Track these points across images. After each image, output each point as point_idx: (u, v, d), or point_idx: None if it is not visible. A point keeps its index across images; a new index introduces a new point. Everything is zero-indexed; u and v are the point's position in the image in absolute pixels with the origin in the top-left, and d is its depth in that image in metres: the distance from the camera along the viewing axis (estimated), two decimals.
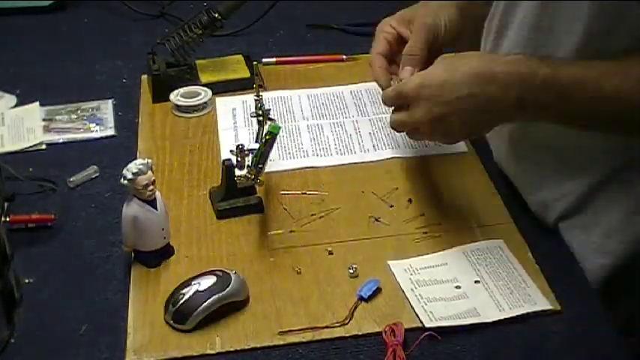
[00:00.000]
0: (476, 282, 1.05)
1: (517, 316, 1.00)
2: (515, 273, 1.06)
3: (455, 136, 1.07)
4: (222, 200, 1.18)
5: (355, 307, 1.02)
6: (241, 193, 1.18)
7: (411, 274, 1.07)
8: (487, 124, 1.06)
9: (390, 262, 1.09)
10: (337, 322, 1.00)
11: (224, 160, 1.18)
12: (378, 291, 1.03)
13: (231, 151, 1.18)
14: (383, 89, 1.15)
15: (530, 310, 1.01)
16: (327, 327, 0.99)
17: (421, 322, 1.00)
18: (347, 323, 1.00)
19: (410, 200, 1.20)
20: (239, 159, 1.17)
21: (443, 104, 1.01)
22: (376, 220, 1.16)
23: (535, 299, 1.02)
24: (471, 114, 1.01)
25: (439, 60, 1.06)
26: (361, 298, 1.02)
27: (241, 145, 1.16)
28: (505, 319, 1.00)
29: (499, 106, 1.00)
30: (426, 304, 1.02)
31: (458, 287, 1.05)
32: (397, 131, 1.13)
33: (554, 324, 1.00)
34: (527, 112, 1.02)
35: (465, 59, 1.04)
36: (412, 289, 1.04)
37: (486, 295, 1.03)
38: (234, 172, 1.17)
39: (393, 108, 1.10)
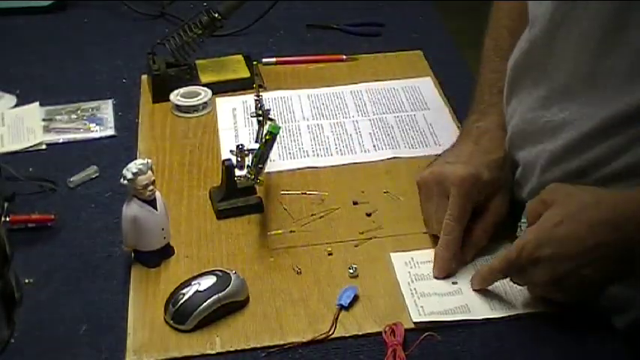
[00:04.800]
0: None
1: (509, 316, 1.00)
2: None
3: (588, 290, 0.95)
4: (222, 200, 1.18)
5: (337, 316, 1.01)
6: (241, 193, 1.18)
7: (411, 268, 1.07)
8: (626, 271, 0.94)
9: (392, 254, 1.09)
10: (321, 335, 0.99)
11: (224, 160, 1.18)
12: (356, 298, 1.03)
13: (231, 151, 1.18)
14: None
15: (521, 312, 1.01)
16: (311, 341, 0.99)
17: (410, 315, 1.00)
18: (332, 333, 0.99)
19: (410, 200, 1.20)
20: (239, 159, 1.17)
21: (567, 260, 0.92)
22: (376, 220, 1.16)
23: (529, 302, 1.02)
24: (603, 261, 0.91)
25: (549, 203, 0.95)
26: (342, 307, 1.02)
27: (241, 145, 1.16)
28: (502, 318, 1.00)
29: (632, 251, 0.91)
30: (418, 299, 1.02)
31: (454, 283, 1.05)
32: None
33: (554, 324, 1.00)
34: None
35: (581, 204, 0.93)
36: (408, 283, 1.05)
37: (481, 293, 1.03)
38: (234, 172, 1.17)
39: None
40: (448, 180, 1.06)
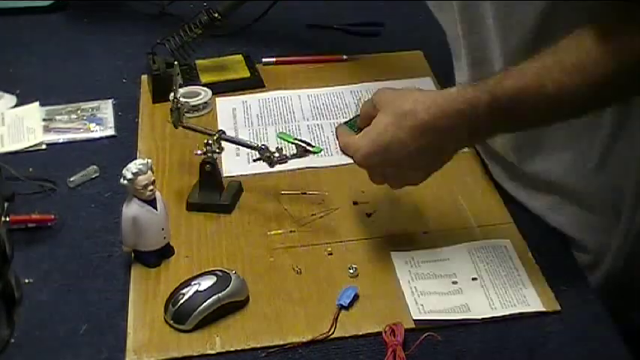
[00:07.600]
0: (473, 279, 1.06)
1: (510, 315, 1.01)
2: (514, 273, 1.06)
3: (416, 180, 1.06)
4: (194, 194, 1.19)
5: (337, 316, 1.01)
6: (214, 189, 1.19)
7: (411, 267, 1.07)
8: (445, 160, 1.04)
9: (392, 253, 1.10)
10: (321, 335, 0.99)
11: (203, 160, 1.18)
12: (356, 298, 1.03)
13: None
14: None
15: (522, 311, 1.01)
16: (311, 341, 0.99)
17: (410, 313, 1.00)
18: (332, 333, 0.99)
19: (410, 200, 1.20)
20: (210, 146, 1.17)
21: (394, 163, 1.02)
22: (376, 220, 1.16)
23: (529, 300, 1.02)
24: (424, 160, 1.02)
25: (377, 107, 1.03)
26: (342, 307, 1.02)
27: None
28: (504, 317, 1.01)
29: (452, 144, 1.02)
30: (418, 297, 1.03)
31: (454, 282, 1.05)
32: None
33: (554, 324, 1.01)
34: (481, 138, 1.11)
35: (401, 111, 1.00)
36: (409, 281, 1.05)
37: (481, 293, 1.04)
38: (209, 169, 1.17)
39: None
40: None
